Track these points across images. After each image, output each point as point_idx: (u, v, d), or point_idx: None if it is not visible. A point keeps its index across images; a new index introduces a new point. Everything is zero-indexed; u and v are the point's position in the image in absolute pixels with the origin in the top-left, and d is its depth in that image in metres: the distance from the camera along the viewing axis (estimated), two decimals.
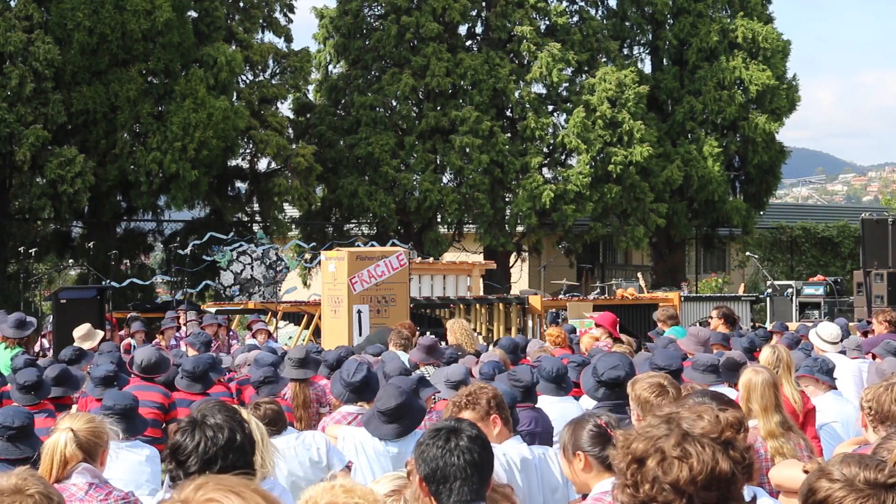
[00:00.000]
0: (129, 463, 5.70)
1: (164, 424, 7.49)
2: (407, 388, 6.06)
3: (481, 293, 18.94)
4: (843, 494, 2.41)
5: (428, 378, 7.28)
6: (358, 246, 20.69)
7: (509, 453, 4.92)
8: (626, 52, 30.36)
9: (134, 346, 13.35)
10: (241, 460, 3.41)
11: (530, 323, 17.67)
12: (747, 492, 2.54)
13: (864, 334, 11.02)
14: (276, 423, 5.66)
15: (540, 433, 5.91)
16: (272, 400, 5.91)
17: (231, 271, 20.95)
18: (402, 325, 10.74)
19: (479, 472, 3.32)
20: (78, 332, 11.37)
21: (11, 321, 11.18)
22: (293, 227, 28.64)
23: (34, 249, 20.47)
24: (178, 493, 2.20)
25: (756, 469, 4.78)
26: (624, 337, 10.75)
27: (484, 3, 28.22)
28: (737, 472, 2.43)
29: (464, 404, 4.89)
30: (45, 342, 15.08)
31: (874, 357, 8.72)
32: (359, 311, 13.77)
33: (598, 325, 11.09)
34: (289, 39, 27.19)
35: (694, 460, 2.40)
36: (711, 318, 11.76)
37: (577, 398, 7.16)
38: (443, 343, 10.73)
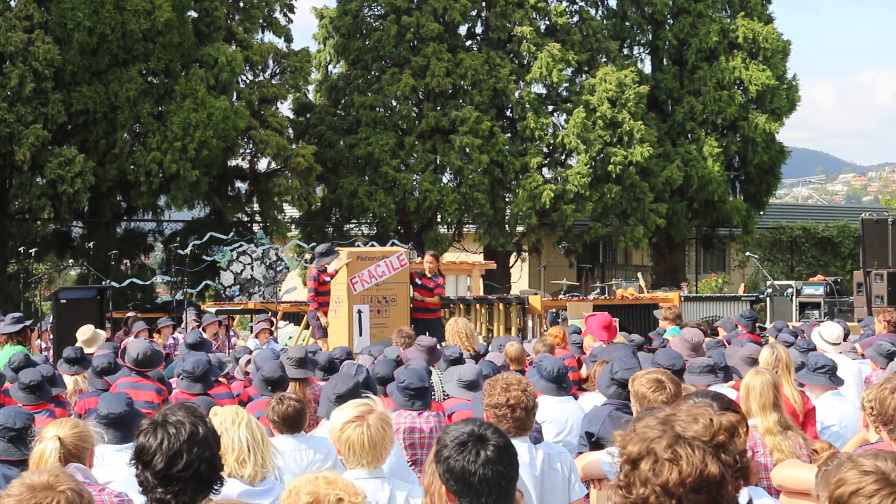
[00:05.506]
0: (124, 465, 5.68)
1: None
2: (355, 373, 6.34)
3: (481, 293, 18.94)
4: (876, 488, 2.36)
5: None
6: (358, 246, 20.68)
7: None
8: (626, 52, 30.35)
9: None
10: (207, 452, 3.42)
11: (530, 323, 17.65)
12: (743, 495, 2.52)
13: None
14: (299, 420, 5.66)
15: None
16: (298, 397, 5.88)
17: (231, 271, 20.95)
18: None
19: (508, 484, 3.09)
20: (82, 335, 11.27)
21: (9, 319, 11.22)
22: (293, 227, 28.63)
23: (34, 249, 20.47)
24: None
25: (754, 469, 4.77)
26: (621, 336, 10.62)
27: (484, 3, 28.20)
28: (727, 476, 2.41)
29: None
30: (42, 342, 15.07)
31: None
32: (359, 311, 13.77)
33: (586, 333, 10.83)
34: (289, 39, 27.19)
35: (683, 462, 2.39)
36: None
37: (576, 398, 7.16)
38: (443, 343, 10.70)
